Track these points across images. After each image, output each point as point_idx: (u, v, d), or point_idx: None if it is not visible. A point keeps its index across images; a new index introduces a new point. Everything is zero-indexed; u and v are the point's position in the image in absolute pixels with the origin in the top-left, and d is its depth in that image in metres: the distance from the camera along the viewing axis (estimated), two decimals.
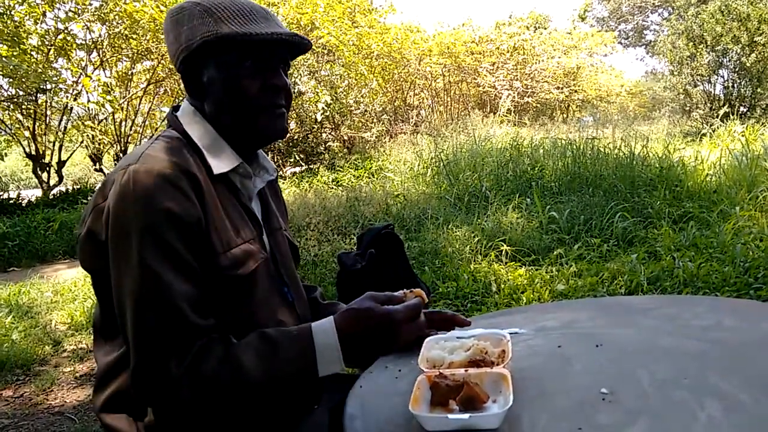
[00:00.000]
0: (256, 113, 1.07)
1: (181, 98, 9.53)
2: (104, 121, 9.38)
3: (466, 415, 0.77)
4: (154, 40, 8.48)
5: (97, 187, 1.06)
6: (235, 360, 0.94)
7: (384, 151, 9.38)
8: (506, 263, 3.99)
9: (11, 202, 8.78)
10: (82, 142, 9.78)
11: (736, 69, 12.36)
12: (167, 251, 0.94)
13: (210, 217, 1.00)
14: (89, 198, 1.07)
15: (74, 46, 8.79)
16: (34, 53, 8.27)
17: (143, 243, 0.93)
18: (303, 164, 9.98)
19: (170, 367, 0.90)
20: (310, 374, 0.97)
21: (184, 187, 0.97)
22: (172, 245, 0.94)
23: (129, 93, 9.49)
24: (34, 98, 8.47)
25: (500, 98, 12.54)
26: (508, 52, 13.90)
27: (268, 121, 1.09)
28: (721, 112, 11.24)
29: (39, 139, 9.17)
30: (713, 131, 9.22)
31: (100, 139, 9.32)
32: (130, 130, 9.79)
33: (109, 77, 9.29)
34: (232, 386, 0.93)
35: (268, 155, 1.40)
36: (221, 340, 0.96)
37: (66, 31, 8.43)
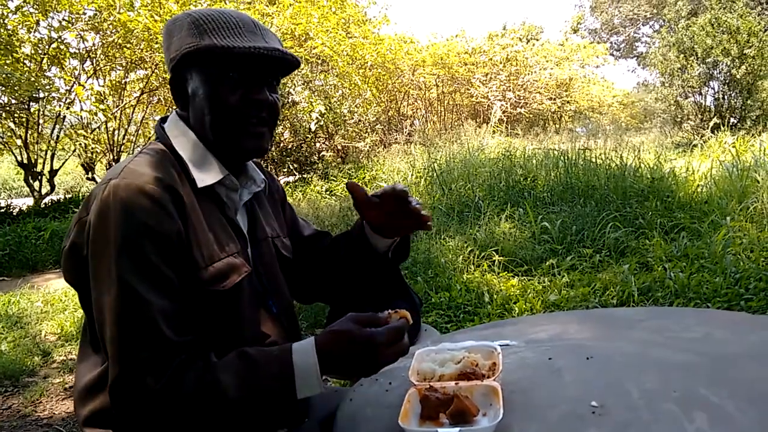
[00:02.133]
0: (234, 129, 1.07)
1: (175, 107, 9.48)
2: (97, 130, 9.35)
3: (455, 429, 0.77)
4: (148, 49, 8.48)
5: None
6: (214, 379, 0.92)
7: (377, 161, 9.38)
8: (499, 273, 3.99)
9: (2, 210, 8.71)
10: (74, 150, 9.73)
11: (727, 81, 12.47)
12: (145, 267, 0.93)
13: (192, 231, 1.00)
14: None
15: (67, 54, 8.78)
16: (27, 62, 8.25)
17: (121, 258, 0.92)
18: (296, 174, 9.97)
19: (147, 383, 0.89)
20: (288, 395, 0.95)
21: (163, 202, 0.96)
22: (150, 261, 0.94)
23: (122, 102, 9.48)
24: (26, 107, 8.43)
25: (493, 109, 12.62)
26: (501, 63, 14.01)
27: (246, 139, 1.08)
28: (711, 124, 11.34)
29: (31, 147, 9.13)
30: (704, 142, 9.28)
31: (92, 148, 9.27)
32: (123, 139, 9.77)
33: (103, 86, 9.27)
34: (209, 405, 0.91)
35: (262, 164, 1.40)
36: (200, 357, 0.95)
37: (59, 40, 8.42)
